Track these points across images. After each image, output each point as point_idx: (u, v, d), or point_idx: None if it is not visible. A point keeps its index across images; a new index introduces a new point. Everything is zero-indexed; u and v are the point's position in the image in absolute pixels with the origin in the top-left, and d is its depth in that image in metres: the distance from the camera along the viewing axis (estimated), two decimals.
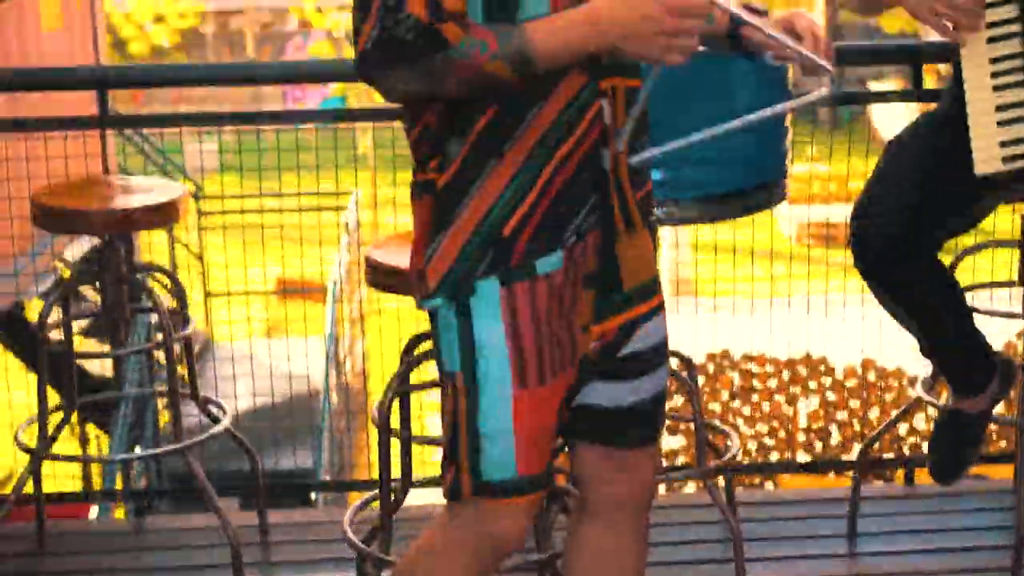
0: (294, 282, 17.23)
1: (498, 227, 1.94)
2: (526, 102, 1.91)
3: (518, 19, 1.86)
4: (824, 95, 1.92)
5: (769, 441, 11.27)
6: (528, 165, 1.93)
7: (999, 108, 2.66)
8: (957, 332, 2.80)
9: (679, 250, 20.08)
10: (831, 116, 22.30)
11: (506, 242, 1.94)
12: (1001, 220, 20.57)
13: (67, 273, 9.89)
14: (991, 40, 2.65)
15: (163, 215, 3.20)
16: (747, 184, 2.91)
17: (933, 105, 3.04)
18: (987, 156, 2.64)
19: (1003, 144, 2.63)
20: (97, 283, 3.32)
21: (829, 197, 20.81)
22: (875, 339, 12.64)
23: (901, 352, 11.75)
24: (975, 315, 3.20)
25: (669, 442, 11.32)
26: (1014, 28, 2.64)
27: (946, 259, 18.67)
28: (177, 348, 6.55)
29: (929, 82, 28.53)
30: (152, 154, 10.62)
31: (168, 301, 9.12)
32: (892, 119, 26.55)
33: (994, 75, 2.66)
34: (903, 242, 2.70)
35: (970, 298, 8.99)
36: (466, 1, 1.85)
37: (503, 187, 1.93)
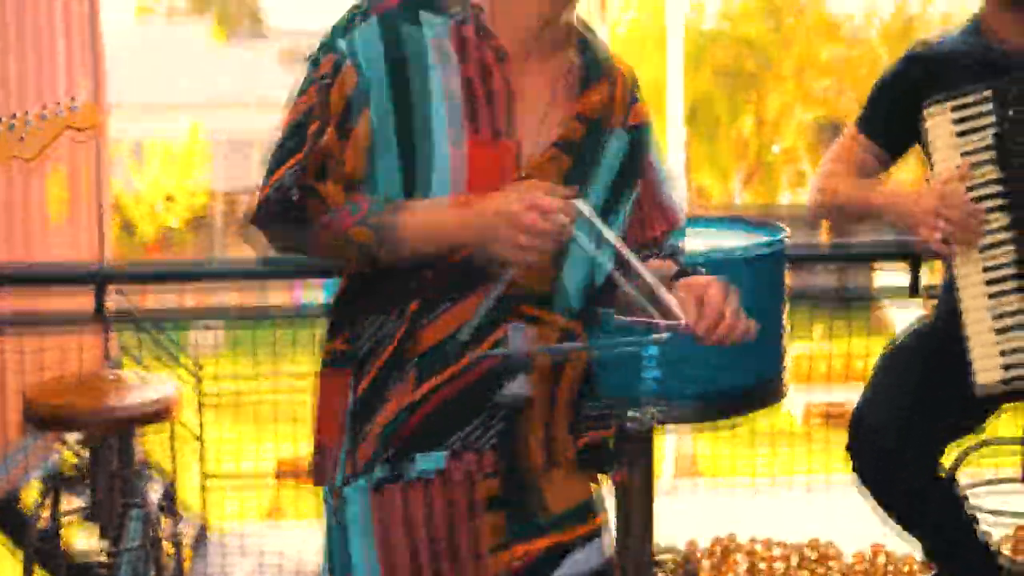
0: (295, 464, 17.04)
1: (390, 425, 1.90)
2: (441, 300, 1.91)
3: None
4: (665, 339, 1.84)
5: None
6: (426, 365, 1.91)
7: (996, 317, 2.66)
8: (958, 544, 2.74)
9: (679, 430, 19.93)
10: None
11: (385, 437, 1.91)
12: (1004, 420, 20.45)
13: (69, 456, 9.78)
14: (984, 248, 2.66)
15: (157, 415, 3.18)
16: (745, 383, 2.89)
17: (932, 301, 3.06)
18: (986, 367, 2.63)
19: (1003, 353, 2.62)
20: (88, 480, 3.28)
21: (834, 377, 20.77)
22: (884, 523, 12.44)
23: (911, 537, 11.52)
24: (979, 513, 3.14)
25: None
26: (1006, 236, 2.66)
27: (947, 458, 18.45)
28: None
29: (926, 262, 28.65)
30: (156, 338, 10.63)
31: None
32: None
33: (988, 283, 2.66)
34: (898, 457, 2.66)
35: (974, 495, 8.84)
36: (364, 173, 1.90)
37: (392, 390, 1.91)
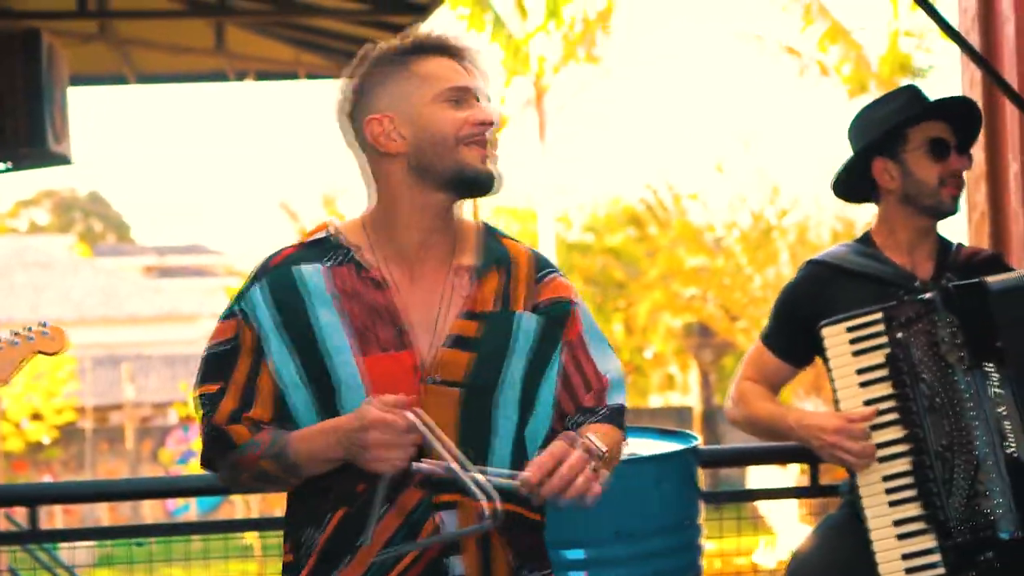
0: None
1: None
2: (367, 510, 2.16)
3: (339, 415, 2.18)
4: (487, 526, 2.09)
5: None
6: (374, 566, 2.15)
7: (896, 523, 2.88)
8: None
9: None
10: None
11: None
12: None
13: None
14: (882, 459, 2.91)
15: None
16: None
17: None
18: (891, 571, 2.86)
19: (904, 557, 2.86)
20: None
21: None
22: None
23: None
24: None
25: None
26: (902, 448, 2.91)
27: None
28: None
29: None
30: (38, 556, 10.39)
31: None
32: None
33: (888, 491, 2.89)
34: None
35: None
36: (279, 411, 2.22)
37: None
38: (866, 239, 3.14)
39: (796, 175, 20.28)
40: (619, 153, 51.74)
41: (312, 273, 2.24)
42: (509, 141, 20.67)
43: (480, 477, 2.07)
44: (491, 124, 2.22)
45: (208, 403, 2.24)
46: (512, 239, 2.37)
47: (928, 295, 2.91)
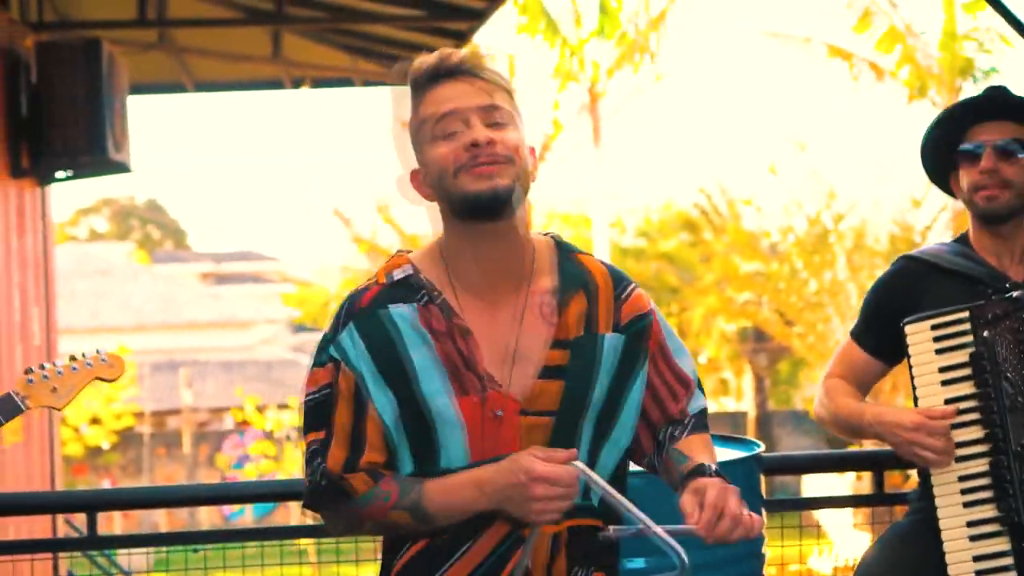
0: None
1: None
2: (454, 541, 2.19)
3: (438, 467, 2.19)
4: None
5: None
6: None
7: (970, 524, 2.83)
8: None
9: None
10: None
11: None
12: None
13: None
14: (960, 459, 2.86)
15: None
16: None
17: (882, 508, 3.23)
18: (960, 572, 2.81)
19: (975, 560, 2.81)
20: None
21: None
22: None
23: None
24: None
25: None
26: (980, 448, 2.86)
27: None
28: None
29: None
30: (98, 563, 10.54)
31: None
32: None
33: (963, 492, 2.85)
34: None
35: None
36: (390, 452, 2.21)
37: None
38: (963, 239, 3.11)
39: (852, 179, 20.06)
40: (673, 158, 51.63)
41: (403, 315, 2.24)
42: (563, 147, 20.66)
43: (660, 531, 2.07)
44: (482, 143, 2.19)
45: (319, 450, 2.23)
46: (586, 254, 2.36)
47: (1016, 293, 2.87)
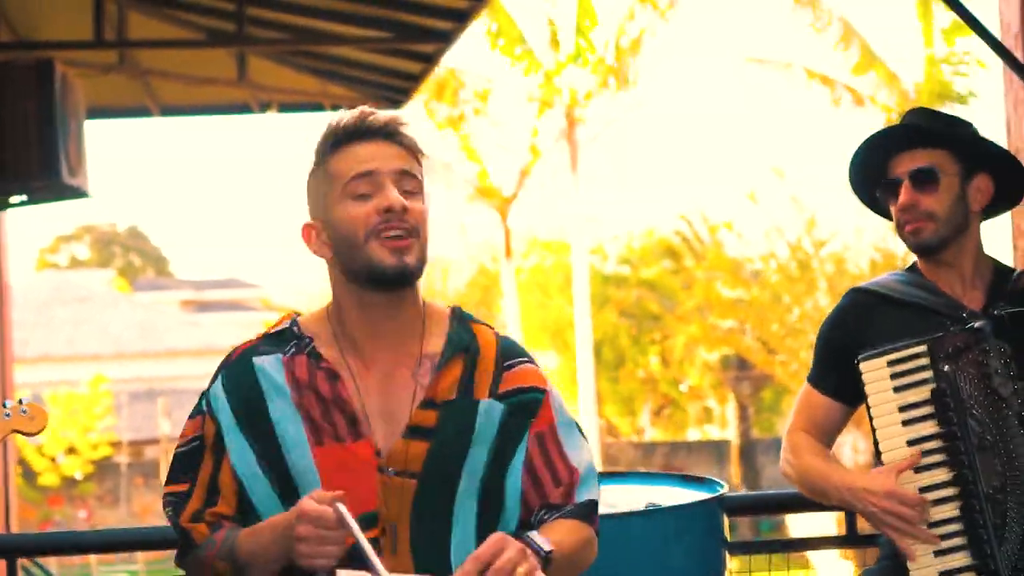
0: None
1: None
2: None
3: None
4: None
5: None
6: None
7: (942, 575, 2.67)
8: None
9: None
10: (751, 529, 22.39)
11: None
12: None
13: None
14: (931, 504, 2.69)
15: None
16: None
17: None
18: None
19: None
20: None
21: None
22: None
23: None
24: None
25: None
26: (949, 492, 2.69)
27: None
28: None
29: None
30: None
31: None
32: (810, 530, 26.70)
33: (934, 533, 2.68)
34: None
35: None
36: (243, 502, 2.19)
37: None
38: (914, 268, 2.93)
39: (833, 205, 20.04)
40: (652, 184, 51.68)
41: (269, 364, 2.23)
42: (542, 173, 20.54)
43: None
44: (396, 209, 2.16)
45: (175, 503, 2.24)
46: (483, 324, 2.33)
47: (977, 324, 2.69)
